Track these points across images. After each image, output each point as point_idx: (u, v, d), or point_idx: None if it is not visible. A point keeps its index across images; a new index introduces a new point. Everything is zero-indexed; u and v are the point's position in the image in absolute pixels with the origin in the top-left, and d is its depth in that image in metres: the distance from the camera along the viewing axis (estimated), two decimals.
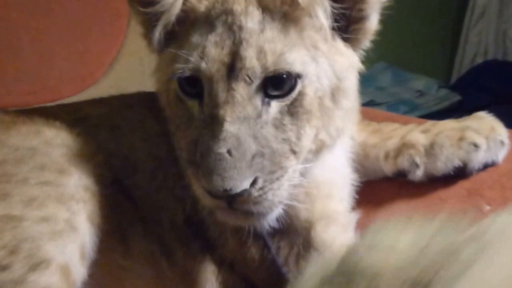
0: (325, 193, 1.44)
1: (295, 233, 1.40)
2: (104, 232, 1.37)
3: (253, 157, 1.14)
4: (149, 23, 1.32)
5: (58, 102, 1.88)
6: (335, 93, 1.26)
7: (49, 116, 1.48)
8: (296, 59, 1.19)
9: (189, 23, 1.27)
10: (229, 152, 1.13)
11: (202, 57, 1.19)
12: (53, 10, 1.98)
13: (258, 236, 1.40)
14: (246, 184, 1.13)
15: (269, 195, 1.18)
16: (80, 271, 1.28)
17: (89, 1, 2.06)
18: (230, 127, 1.15)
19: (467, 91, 3.83)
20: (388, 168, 1.60)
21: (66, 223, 1.27)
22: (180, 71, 1.22)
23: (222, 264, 1.49)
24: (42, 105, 1.78)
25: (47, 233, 1.23)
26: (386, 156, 1.60)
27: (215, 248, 1.48)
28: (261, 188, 1.16)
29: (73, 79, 1.99)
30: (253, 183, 1.15)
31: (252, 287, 1.41)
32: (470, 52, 4.27)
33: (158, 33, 1.30)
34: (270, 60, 1.17)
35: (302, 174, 1.27)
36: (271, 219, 1.26)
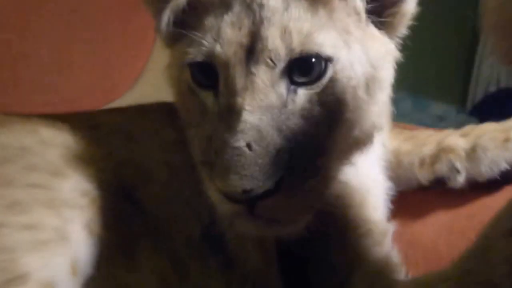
0: (358, 201, 1.18)
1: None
2: (106, 244, 1.13)
3: (278, 152, 0.89)
4: (159, 12, 1.10)
5: None
6: (369, 84, 1.02)
7: (55, 120, 1.26)
8: (326, 40, 0.96)
9: (202, 8, 1.04)
10: (248, 146, 0.88)
11: (216, 39, 0.97)
12: (75, 22, 1.85)
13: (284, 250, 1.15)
14: (269, 184, 0.88)
15: (298, 199, 0.93)
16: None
17: (114, 12, 1.88)
18: (250, 117, 0.91)
19: (484, 116, 3.57)
20: (424, 176, 1.34)
21: (55, 232, 1.04)
22: (192, 56, 0.99)
23: (244, 284, 1.22)
24: None
25: (29, 243, 1.00)
26: (422, 163, 1.36)
27: (236, 266, 1.22)
28: (288, 190, 0.91)
29: (94, 92, 1.85)
30: (278, 183, 0.89)
31: None
32: (483, 80, 4.16)
33: (166, 17, 1.05)
34: (296, 40, 0.94)
35: (335, 176, 1.04)
36: (300, 228, 0.98)
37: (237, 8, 0.99)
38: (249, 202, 0.89)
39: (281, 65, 0.94)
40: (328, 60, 0.95)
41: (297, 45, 0.94)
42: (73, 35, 1.79)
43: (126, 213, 1.19)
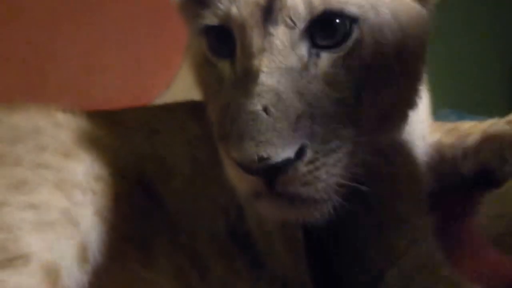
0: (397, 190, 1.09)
1: None
2: (121, 235, 1.08)
3: (299, 117, 0.81)
4: None
5: None
6: (401, 53, 0.93)
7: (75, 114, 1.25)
8: None
9: None
10: (265, 109, 0.80)
11: (232, 1, 0.90)
12: (107, 24, 1.83)
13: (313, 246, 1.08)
14: (289, 153, 0.79)
15: (323, 173, 0.83)
16: (75, 276, 0.97)
17: (147, 16, 1.87)
18: (268, 79, 0.83)
19: None
20: (467, 167, 1.26)
21: (62, 214, 0.98)
22: (208, 20, 0.93)
23: (273, 284, 1.16)
24: None
25: (32, 223, 0.95)
26: (465, 154, 1.27)
27: (265, 265, 1.16)
28: (311, 162, 0.81)
29: (124, 96, 1.83)
30: (300, 153, 0.81)
31: None
32: None
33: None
34: None
35: (368, 150, 0.91)
36: (327, 210, 0.88)
37: None
38: (267, 173, 0.81)
39: (301, 25, 0.87)
40: (353, 20, 0.87)
41: (319, 2, 0.87)
42: (104, 38, 1.79)
43: (144, 205, 1.16)
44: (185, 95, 1.75)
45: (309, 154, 0.82)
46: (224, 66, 0.95)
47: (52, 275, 0.92)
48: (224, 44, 0.94)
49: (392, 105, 0.97)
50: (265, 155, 0.77)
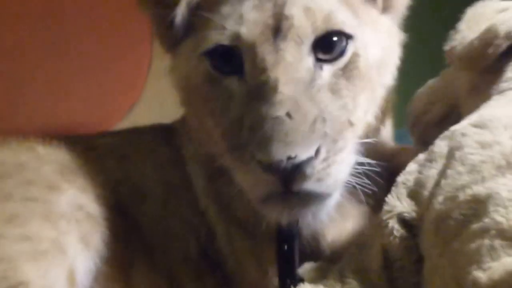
0: None
1: None
2: (103, 258, 1.22)
3: (314, 121, 0.96)
4: (164, 14, 1.15)
5: None
6: (380, 66, 1.12)
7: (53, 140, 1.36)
8: (345, 19, 1.05)
9: (213, 2, 1.10)
10: (288, 115, 0.94)
11: (240, 22, 1.03)
12: (70, 51, 1.89)
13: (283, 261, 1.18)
14: (311, 152, 0.94)
15: (333, 170, 0.97)
16: None
17: (109, 41, 1.94)
18: (286, 89, 0.97)
19: None
20: None
21: (52, 243, 1.11)
22: (216, 40, 1.05)
23: None
24: None
25: (28, 253, 1.08)
26: None
27: (234, 283, 1.30)
28: (325, 160, 0.96)
29: (89, 122, 1.87)
30: (316, 152, 0.95)
31: None
32: None
33: (181, 12, 1.12)
34: (319, 18, 1.02)
35: (361, 153, 1.09)
36: (330, 207, 1.04)
37: None
38: (290, 172, 0.92)
39: (307, 41, 1.01)
40: (349, 37, 1.03)
41: (321, 22, 1.01)
42: (68, 64, 1.84)
43: (123, 229, 1.26)
44: (147, 119, 1.88)
45: (323, 153, 0.95)
46: (232, 82, 1.06)
47: None
48: (228, 62, 1.05)
49: (371, 116, 1.12)
50: (293, 155, 0.90)
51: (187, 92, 1.18)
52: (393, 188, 1.06)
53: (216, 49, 1.05)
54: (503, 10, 1.13)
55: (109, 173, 1.32)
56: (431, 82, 1.35)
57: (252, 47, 1.02)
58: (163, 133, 1.39)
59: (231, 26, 1.03)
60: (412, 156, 1.38)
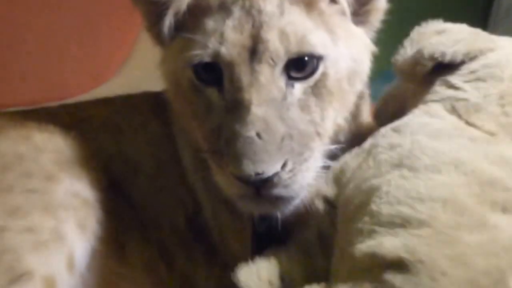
0: None
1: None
2: (98, 239, 1.33)
3: (282, 139, 1.10)
4: (155, 14, 1.27)
5: (65, 101, 1.85)
6: (351, 76, 1.24)
7: (48, 118, 1.45)
8: (318, 41, 1.16)
9: (200, 11, 1.21)
10: (258, 135, 1.07)
11: (221, 42, 1.14)
12: (61, 8, 1.95)
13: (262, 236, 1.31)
14: (277, 167, 1.08)
15: (299, 177, 1.12)
16: (67, 281, 1.22)
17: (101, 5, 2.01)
18: (257, 110, 1.09)
19: None
20: None
21: (52, 233, 1.22)
22: (199, 57, 1.16)
23: (226, 269, 1.36)
24: (47, 104, 1.74)
25: (30, 244, 1.18)
26: None
27: (218, 253, 1.42)
28: (291, 170, 1.11)
29: (83, 77, 1.97)
30: (283, 165, 1.10)
31: None
32: None
33: (168, 22, 1.24)
34: (293, 42, 1.13)
35: (328, 157, 1.23)
36: (296, 204, 1.18)
37: (237, 13, 1.16)
38: (258, 183, 1.07)
39: (280, 64, 1.13)
40: (319, 58, 1.15)
41: (294, 46, 1.12)
42: (59, 22, 1.90)
43: (117, 207, 1.38)
44: (136, 76, 1.87)
45: (289, 165, 1.09)
46: (212, 93, 1.18)
47: (50, 284, 1.17)
48: (210, 74, 1.17)
49: (343, 121, 1.25)
50: (260, 171, 1.04)
51: (174, 88, 1.30)
52: (326, 173, 1.20)
53: (200, 63, 1.16)
54: (440, 32, 1.24)
55: (103, 148, 1.42)
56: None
57: (230, 66, 1.13)
58: (154, 106, 1.48)
59: (212, 44, 1.13)
60: None
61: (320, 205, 1.15)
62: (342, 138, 1.31)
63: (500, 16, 4.15)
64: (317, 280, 1.09)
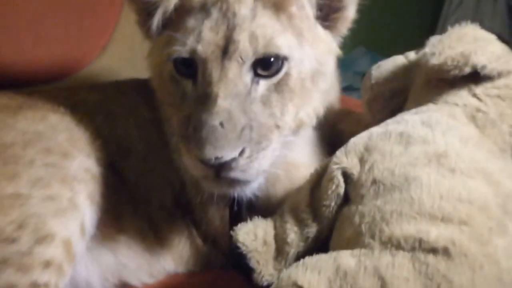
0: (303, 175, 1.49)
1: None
2: (102, 210, 1.47)
3: (242, 129, 1.23)
4: (146, 12, 1.40)
5: (54, 83, 1.97)
6: (315, 76, 1.37)
7: (51, 102, 1.56)
8: (284, 43, 1.29)
9: (184, 11, 1.35)
10: (221, 124, 1.21)
11: (198, 40, 1.28)
12: None
13: (238, 213, 1.48)
14: (235, 153, 1.21)
15: (255, 164, 1.26)
16: (79, 245, 1.37)
17: None
18: (223, 102, 1.23)
19: None
20: None
21: (69, 202, 1.35)
22: (178, 53, 1.31)
23: (206, 240, 1.58)
24: (39, 86, 1.88)
25: (52, 211, 1.32)
26: None
27: (200, 227, 1.58)
28: (248, 157, 1.24)
29: (68, 60, 2.04)
30: (241, 152, 1.23)
31: (232, 260, 1.44)
32: None
33: (157, 20, 1.37)
34: (261, 43, 1.27)
35: (284, 147, 1.37)
36: (254, 187, 1.35)
37: (215, 15, 1.29)
38: (218, 166, 1.22)
39: (248, 62, 1.26)
40: (284, 59, 1.28)
41: (261, 47, 1.26)
42: (49, 6, 1.98)
43: (116, 184, 1.50)
44: (118, 57, 2.03)
45: (247, 152, 1.23)
46: (187, 85, 1.33)
47: (68, 246, 1.31)
48: (187, 68, 1.32)
49: (306, 116, 1.39)
50: (219, 156, 1.18)
51: (157, 78, 1.44)
52: (344, 146, 1.30)
53: (179, 58, 1.31)
54: (477, 39, 1.31)
55: (99, 130, 1.52)
56: (398, 58, 1.55)
57: (204, 62, 1.27)
58: (143, 92, 1.59)
59: (190, 42, 1.28)
60: (353, 122, 1.65)
61: (338, 175, 1.24)
62: (304, 131, 1.46)
63: (453, 6, 4.30)
64: (308, 242, 1.25)
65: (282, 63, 1.30)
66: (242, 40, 1.26)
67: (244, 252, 1.29)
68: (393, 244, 1.05)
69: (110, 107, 1.64)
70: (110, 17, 2.13)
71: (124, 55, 2.07)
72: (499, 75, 1.26)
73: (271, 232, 1.31)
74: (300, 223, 1.29)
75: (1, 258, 1.25)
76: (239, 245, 1.29)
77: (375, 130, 1.29)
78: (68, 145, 1.43)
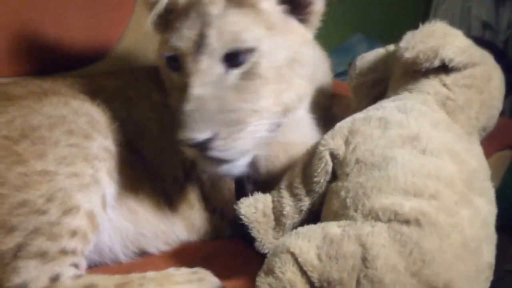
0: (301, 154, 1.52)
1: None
2: (121, 185, 1.53)
3: (214, 114, 1.32)
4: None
5: (76, 71, 2.03)
6: (292, 64, 1.44)
7: (73, 88, 1.63)
8: (250, 37, 1.37)
9: (175, 13, 1.46)
10: (194, 110, 1.31)
11: (178, 38, 1.39)
12: None
13: (243, 187, 1.54)
14: (208, 135, 1.30)
15: (234, 144, 1.34)
16: (101, 216, 1.44)
17: None
18: (196, 91, 1.33)
19: None
20: None
21: (91, 178, 1.42)
22: (167, 51, 1.44)
23: (214, 212, 1.65)
24: (61, 73, 1.94)
25: (77, 186, 1.38)
26: None
27: (209, 199, 1.65)
28: (224, 138, 1.32)
29: (88, 50, 2.08)
30: (216, 134, 1.31)
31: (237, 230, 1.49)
32: None
33: (151, 19, 1.49)
34: (228, 38, 1.35)
35: (271, 130, 1.45)
36: (240, 166, 1.41)
37: (193, 15, 1.39)
38: (197, 146, 1.30)
39: (218, 55, 1.34)
40: (251, 50, 1.36)
41: (229, 41, 1.34)
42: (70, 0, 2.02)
43: (133, 161, 1.57)
44: (133, 47, 2.08)
45: (222, 134, 1.30)
46: (175, 77, 1.43)
47: (91, 217, 1.37)
48: (174, 63, 1.42)
49: (290, 100, 1.46)
50: (193, 137, 1.27)
51: (161, 71, 1.56)
52: (331, 130, 1.35)
53: (167, 55, 1.42)
54: (446, 35, 1.36)
55: (117, 113, 1.57)
56: (379, 50, 1.60)
57: (183, 57, 1.37)
58: (156, 79, 1.64)
59: (174, 41, 1.39)
60: (343, 106, 1.73)
61: (326, 156, 1.31)
62: (294, 114, 1.52)
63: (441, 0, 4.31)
64: (302, 215, 1.33)
65: (250, 54, 1.37)
66: (212, 36, 1.35)
67: (246, 223, 1.36)
68: (373, 216, 1.12)
69: (127, 92, 1.70)
70: (126, 10, 2.18)
71: (139, 45, 2.09)
72: (465, 66, 1.33)
73: (269, 205, 1.37)
74: (295, 197, 1.36)
75: (33, 228, 1.30)
76: (242, 217, 1.36)
77: (358, 115, 1.35)
78: (88, 128, 1.48)
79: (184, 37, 1.38)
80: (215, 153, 1.33)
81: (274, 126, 1.44)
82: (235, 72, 1.37)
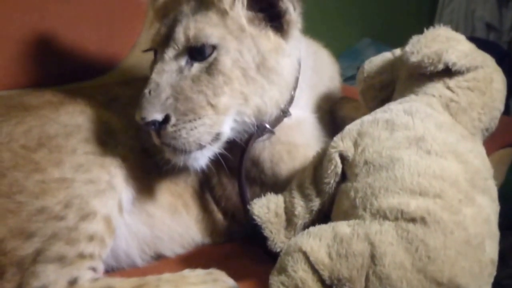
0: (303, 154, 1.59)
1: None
2: (137, 190, 1.55)
3: (167, 98, 1.37)
4: None
5: (90, 80, 2.06)
6: (260, 68, 1.45)
7: (89, 97, 1.63)
8: (212, 34, 1.41)
9: (160, 13, 1.54)
10: (149, 92, 1.37)
11: (155, 33, 1.49)
12: None
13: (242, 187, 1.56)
14: (157, 116, 1.35)
15: (183, 133, 1.37)
16: (118, 221, 1.46)
17: None
18: (154, 76, 1.40)
19: None
20: None
21: (107, 184, 1.44)
22: (151, 45, 1.52)
23: (226, 215, 1.66)
24: (78, 83, 1.97)
25: (93, 192, 1.40)
26: None
27: (220, 203, 1.66)
28: (175, 125, 1.36)
29: (101, 60, 2.11)
30: (167, 119, 1.36)
31: (249, 231, 1.49)
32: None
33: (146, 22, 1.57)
34: (192, 34, 1.40)
35: (241, 131, 1.50)
36: (198, 159, 1.45)
37: (170, 14, 1.46)
38: (148, 127, 1.36)
39: (182, 48, 1.40)
40: (214, 47, 1.40)
41: (192, 36, 1.38)
42: (83, 11, 2.07)
43: (149, 166, 1.58)
44: (145, 56, 2.07)
45: (172, 120, 1.34)
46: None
47: (108, 222, 1.39)
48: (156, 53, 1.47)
49: (262, 104, 1.47)
50: (143, 116, 1.33)
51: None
52: (340, 132, 1.37)
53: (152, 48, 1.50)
54: (449, 39, 1.38)
55: (132, 121, 1.50)
56: (386, 54, 1.60)
57: (156, 48, 1.46)
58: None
59: (152, 36, 1.48)
60: (352, 109, 1.72)
61: (336, 157, 1.32)
62: (267, 117, 1.51)
63: (446, 3, 4.37)
64: (312, 215, 1.35)
65: (212, 50, 1.41)
66: (178, 32, 1.41)
67: (259, 223, 1.38)
68: (381, 215, 1.15)
69: (118, 97, 1.74)
70: (137, 21, 2.21)
71: (151, 53, 2.16)
72: (468, 70, 1.35)
73: (281, 205, 1.39)
74: (306, 198, 1.38)
75: (52, 233, 1.32)
76: (255, 217, 1.38)
77: (366, 118, 1.37)
78: (104, 135, 1.50)
79: (160, 32, 1.45)
80: (167, 140, 1.37)
81: (246, 127, 1.48)
82: (197, 65, 1.41)
